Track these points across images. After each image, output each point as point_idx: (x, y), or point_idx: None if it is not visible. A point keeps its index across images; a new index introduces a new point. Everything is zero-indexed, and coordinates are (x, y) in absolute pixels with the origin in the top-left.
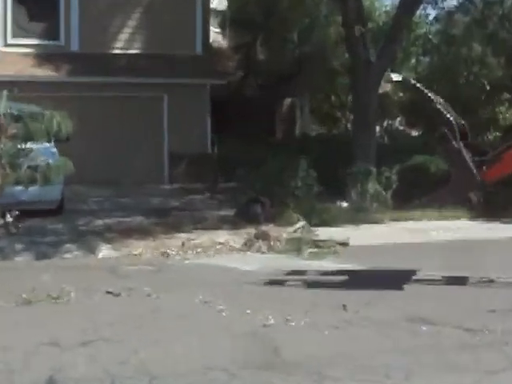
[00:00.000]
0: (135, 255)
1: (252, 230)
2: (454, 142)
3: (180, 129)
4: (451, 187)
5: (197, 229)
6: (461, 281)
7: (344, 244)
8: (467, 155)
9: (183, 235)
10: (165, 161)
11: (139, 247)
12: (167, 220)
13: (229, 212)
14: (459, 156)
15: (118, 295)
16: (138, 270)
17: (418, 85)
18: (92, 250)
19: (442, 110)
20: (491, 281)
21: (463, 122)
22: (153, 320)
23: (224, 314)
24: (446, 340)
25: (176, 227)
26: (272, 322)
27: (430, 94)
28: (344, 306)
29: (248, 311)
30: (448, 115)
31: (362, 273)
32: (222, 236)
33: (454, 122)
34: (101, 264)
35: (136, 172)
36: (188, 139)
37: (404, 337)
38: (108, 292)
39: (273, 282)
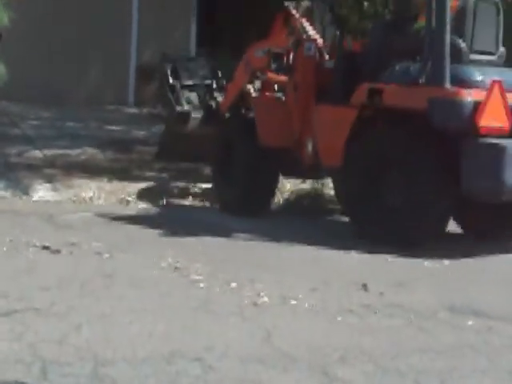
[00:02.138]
0: (83, 200)
1: None
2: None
3: (154, 34)
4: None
5: (170, 170)
6: None
7: None
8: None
9: (151, 178)
10: (130, 76)
11: (89, 190)
12: (129, 156)
13: None
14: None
15: (56, 252)
16: (86, 219)
17: None
18: (25, 190)
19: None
20: None
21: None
22: (103, 287)
23: (201, 285)
24: (497, 339)
25: (141, 166)
26: (265, 299)
27: None
28: (364, 285)
29: (233, 284)
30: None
31: None
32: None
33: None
34: (36, 209)
35: (90, 88)
36: (163, 50)
37: (442, 332)
38: (44, 247)
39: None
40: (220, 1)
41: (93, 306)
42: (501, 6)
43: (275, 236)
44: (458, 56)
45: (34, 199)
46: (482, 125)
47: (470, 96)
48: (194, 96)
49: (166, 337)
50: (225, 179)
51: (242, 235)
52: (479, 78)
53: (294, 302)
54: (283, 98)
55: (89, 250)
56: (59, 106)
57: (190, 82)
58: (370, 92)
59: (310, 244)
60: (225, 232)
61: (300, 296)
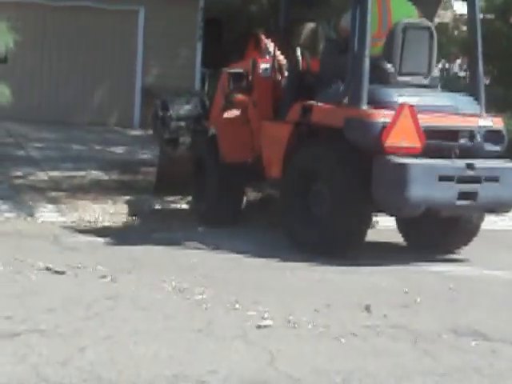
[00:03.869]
0: (88, 222)
1: None
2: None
3: (159, 57)
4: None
5: (175, 193)
6: None
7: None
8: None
9: (155, 201)
10: (136, 98)
11: (94, 212)
12: (134, 178)
13: None
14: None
15: (61, 274)
16: (91, 242)
17: None
18: (29, 212)
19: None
20: None
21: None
22: (107, 309)
23: (204, 307)
24: (501, 361)
25: (146, 188)
26: (269, 322)
27: None
28: (367, 307)
29: (237, 305)
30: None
31: None
32: None
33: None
34: (40, 231)
35: (95, 111)
36: (169, 72)
37: (446, 354)
38: (48, 269)
39: (274, 268)
40: (225, 22)
41: (97, 328)
42: (434, 31)
43: (278, 257)
44: (384, 78)
45: (38, 221)
46: (389, 144)
47: (381, 117)
48: (182, 125)
49: (169, 359)
50: (199, 192)
51: (244, 256)
52: (397, 99)
53: (297, 325)
54: (243, 116)
55: (93, 272)
56: (64, 128)
57: (178, 114)
58: (303, 109)
59: (312, 264)
60: (227, 254)
61: (303, 318)
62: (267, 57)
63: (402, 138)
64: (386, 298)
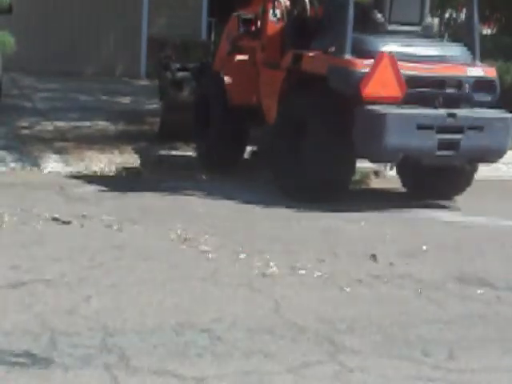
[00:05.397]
0: (94, 172)
1: None
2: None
3: (165, 6)
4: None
5: (178, 140)
6: None
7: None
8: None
9: (161, 150)
10: (142, 48)
11: (100, 162)
12: (141, 128)
13: None
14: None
15: (67, 223)
16: (97, 192)
17: None
18: (35, 163)
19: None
20: None
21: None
22: (112, 259)
23: (210, 256)
24: (506, 309)
25: (152, 138)
26: (274, 270)
27: None
28: (373, 255)
29: (242, 255)
30: None
31: None
32: None
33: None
34: (47, 181)
35: (102, 61)
36: (175, 21)
37: (451, 302)
38: (54, 218)
39: (280, 218)
40: None
41: (103, 277)
42: None
43: (283, 207)
44: (374, 27)
45: (44, 172)
46: (367, 93)
47: (362, 66)
48: (187, 71)
49: (174, 307)
50: (202, 134)
51: (250, 206)
52: (382, 49)
53: (302, 273)
54: (251, 60)
55: (99, 221)
56: (70, 79)
57: (181, 65)
58: (294, 57)
59: (317, 213)
60: (233, 203)
61: (309, 266)
62: (276, 3)
63: (381, 87)
64: (392, 246)
